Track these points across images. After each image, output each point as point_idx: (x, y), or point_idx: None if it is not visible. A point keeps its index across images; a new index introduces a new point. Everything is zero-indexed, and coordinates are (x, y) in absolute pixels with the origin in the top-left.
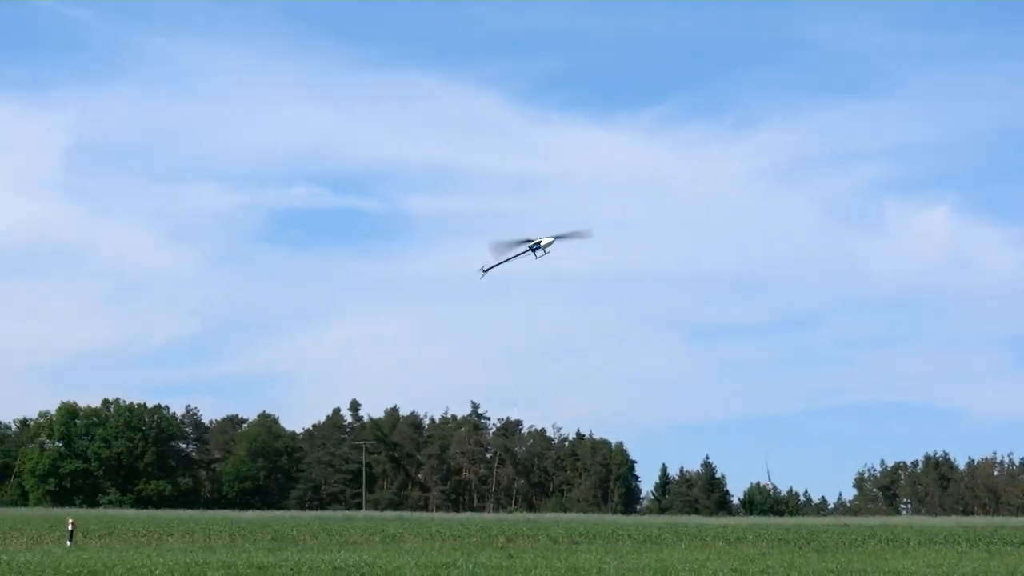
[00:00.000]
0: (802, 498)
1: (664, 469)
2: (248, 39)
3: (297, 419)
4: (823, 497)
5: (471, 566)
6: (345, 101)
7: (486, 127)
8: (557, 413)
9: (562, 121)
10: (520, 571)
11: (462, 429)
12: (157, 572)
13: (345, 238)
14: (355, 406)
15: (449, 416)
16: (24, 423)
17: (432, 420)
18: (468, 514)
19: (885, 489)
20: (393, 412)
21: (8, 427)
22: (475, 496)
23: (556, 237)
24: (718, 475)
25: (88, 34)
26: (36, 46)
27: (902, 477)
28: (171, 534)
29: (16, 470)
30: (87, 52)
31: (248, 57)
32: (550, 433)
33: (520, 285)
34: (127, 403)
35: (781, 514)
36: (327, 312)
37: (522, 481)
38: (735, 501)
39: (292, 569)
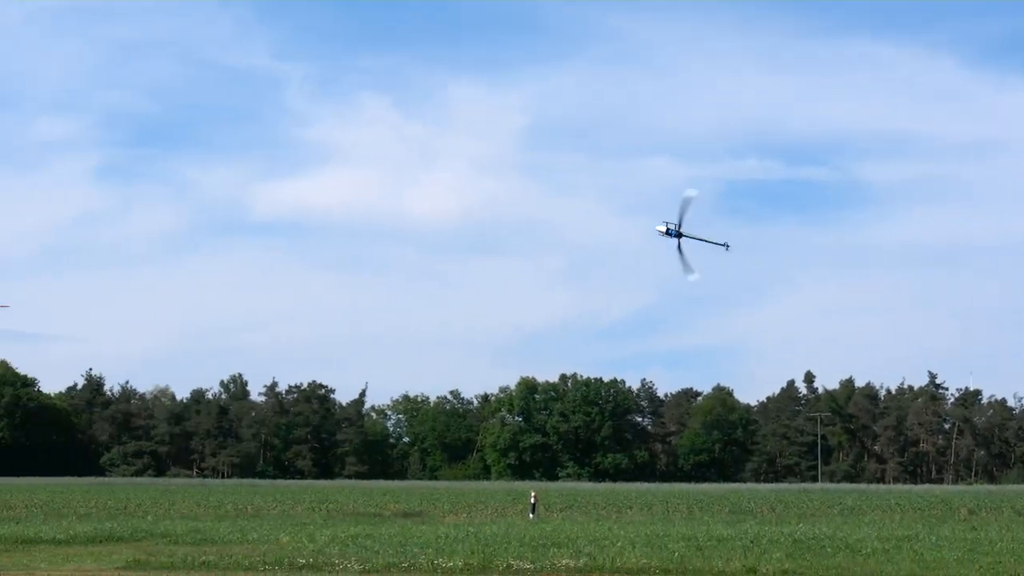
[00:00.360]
0: None
1: None
2: (700, 12)
3: (751, 392)
4: None
5: (933, 538)
6: (796, 71)
7: (941, 92)
8: (1019, 382)
9: (1021, 83)
10: (985, 543)
11: (919, 400)
12: (619, 544)
13: (799, 209)
14: (809, 378)
15: (906, 387)
16: (485, 398)
17: (888, 391)
18: (926, 486)
19: None
20: (848, 383)
21: (470, 403)
22: (933, 468)
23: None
24: None
25: (544, 15)
26: (494, 28)
27: None
28: (630, 507)
29: (478, 445)
30: (543, 32)
31: (700, 30)
32: (1011, 403)
33: (974, 252)
34: (584, 377)
35: None
36: (781, 284)
37: (982, 452)
38: None
39: (752, 541)
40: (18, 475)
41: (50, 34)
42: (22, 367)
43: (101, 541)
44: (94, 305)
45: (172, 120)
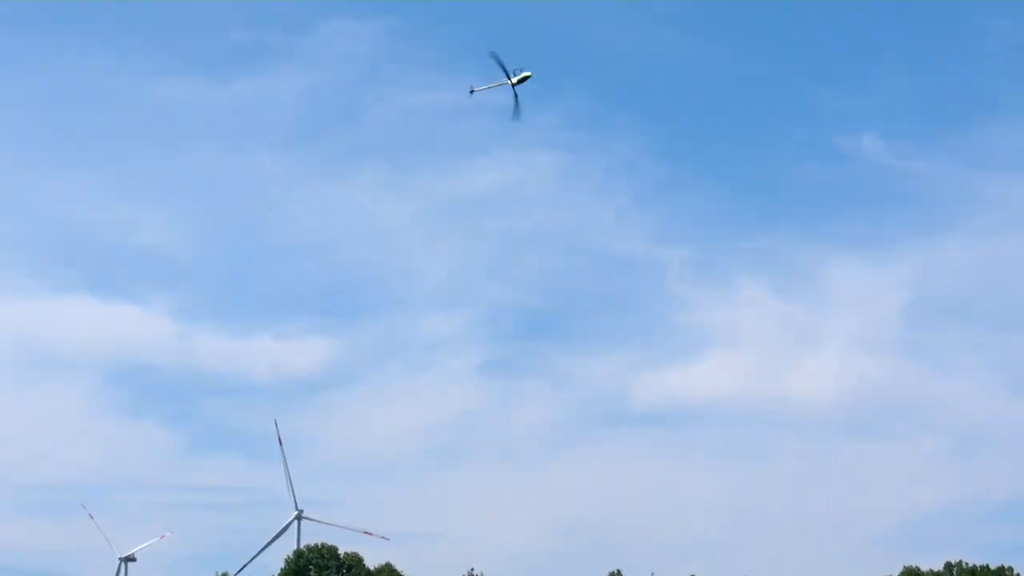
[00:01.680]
0: None
1: None
2: None
3: None
4: None
5: None
6: None
7: None
8: None
9: None
10: None
11: None
12: None
13: None
14: None
15: None
16: None
17: None
18: None
19: None
20: None
21: None
22: None
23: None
24: None
25: (922, 187)
26: (871, 204)
27: None
28: None
29: None
30: (923, 204)
31: None
32: None
33: None
34: (969, 565)
35: None
36: None
37: None
38: None
39: None
40: None
41: (434, 231)
42: (406, 568)
43: None
44: (475, 502)
45: (553, 311)
